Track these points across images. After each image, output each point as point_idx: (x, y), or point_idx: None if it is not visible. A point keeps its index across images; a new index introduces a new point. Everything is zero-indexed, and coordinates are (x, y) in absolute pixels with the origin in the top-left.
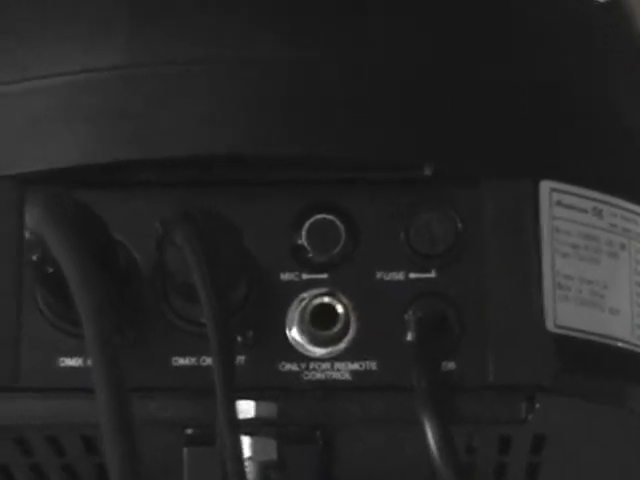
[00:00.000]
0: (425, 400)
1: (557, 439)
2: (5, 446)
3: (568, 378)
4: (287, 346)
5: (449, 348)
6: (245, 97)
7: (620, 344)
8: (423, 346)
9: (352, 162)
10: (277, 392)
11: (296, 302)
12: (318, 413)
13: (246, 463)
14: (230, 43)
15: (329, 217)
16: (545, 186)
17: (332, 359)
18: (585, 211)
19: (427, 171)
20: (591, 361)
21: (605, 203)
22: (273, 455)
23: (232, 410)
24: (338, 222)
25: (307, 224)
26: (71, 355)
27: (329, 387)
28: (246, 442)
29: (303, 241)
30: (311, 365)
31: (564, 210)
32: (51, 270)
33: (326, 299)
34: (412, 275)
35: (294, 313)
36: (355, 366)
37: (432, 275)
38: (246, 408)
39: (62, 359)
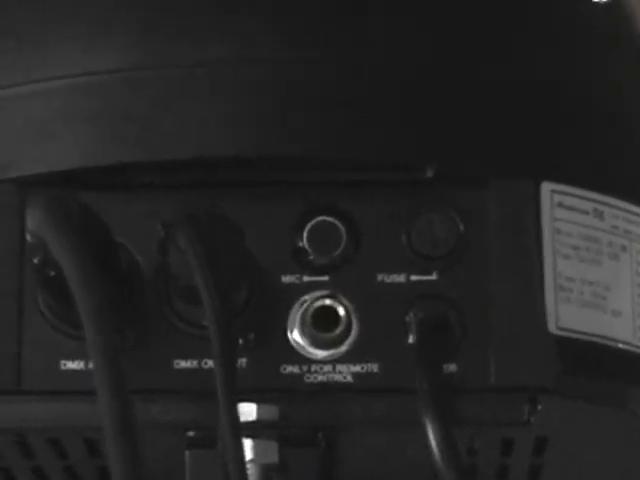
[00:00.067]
0: (427, 402)
1: (559, 441)
2: (7, 449)
3: (570, 380)
4: (289, 348)
5: (450, 350)
6: (246, 98)
7: (622, 346)
8: (424, 348)
9: (352, 163)
10: (279, 394)
11: (297, 304)
12: (320, 415)
13: (248, 466)
14: (231, 44)
15: (330, 219)
16: (546, 188)
17: (334, 361)
18: (586, 212)
19: (428, 172)
20: (593, 363)
21: (606, 204)
22: (275, 458)
23: (234, 413)
24: (339, 224)
25: (308, 226)
26: (73, 358)
27: (331, 389)
28: (248, 445)
29: (304, 243)
30: (313, 367)
31: (565, 212)
32: (53, 273)
33: (327, 301)
34: (413, 277)
35: (295, 315)
36: (357, 368)
37: (433, 277)
38: (248, 410)
39: (64, 362)
